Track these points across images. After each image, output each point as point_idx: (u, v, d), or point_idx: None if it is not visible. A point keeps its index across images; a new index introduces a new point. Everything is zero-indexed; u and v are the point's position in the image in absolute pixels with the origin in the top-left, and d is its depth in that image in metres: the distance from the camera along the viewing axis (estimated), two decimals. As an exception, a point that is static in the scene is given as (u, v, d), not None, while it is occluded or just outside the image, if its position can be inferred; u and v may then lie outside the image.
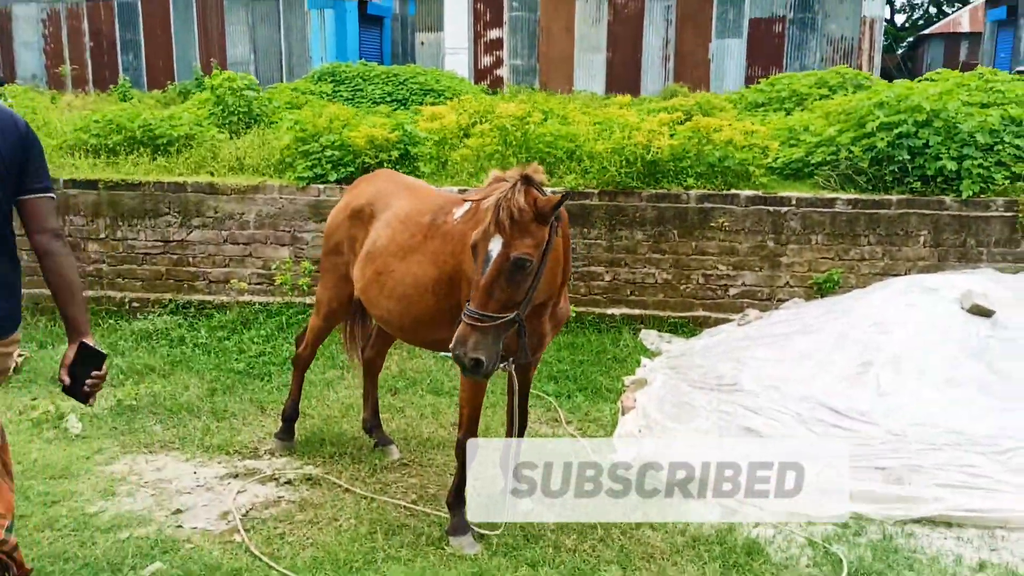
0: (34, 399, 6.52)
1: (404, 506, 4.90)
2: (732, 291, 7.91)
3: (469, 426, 4.48)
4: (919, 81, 9.73)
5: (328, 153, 8.22)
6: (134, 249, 8.40)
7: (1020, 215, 7.44)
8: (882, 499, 4.60)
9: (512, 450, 4.86)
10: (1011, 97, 8.31)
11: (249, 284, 8.25)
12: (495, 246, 3.70)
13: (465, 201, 4.55)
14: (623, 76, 26.70)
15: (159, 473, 5.36)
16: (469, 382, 4.38)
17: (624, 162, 7.74)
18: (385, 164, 8.18)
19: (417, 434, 5.90)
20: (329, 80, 17.74)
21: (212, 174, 8.52)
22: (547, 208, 3.74)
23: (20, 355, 7.23)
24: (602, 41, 26.88)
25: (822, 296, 7.72)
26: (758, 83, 13.55)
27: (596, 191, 7.84)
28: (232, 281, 8.23)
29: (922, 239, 7.67)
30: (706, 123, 8.13)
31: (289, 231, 8.25)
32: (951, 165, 7.50)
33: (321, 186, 8.18)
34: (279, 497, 5.05)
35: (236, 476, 5.32)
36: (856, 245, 7.75)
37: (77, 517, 4.76)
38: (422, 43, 35.08)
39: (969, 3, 41.78)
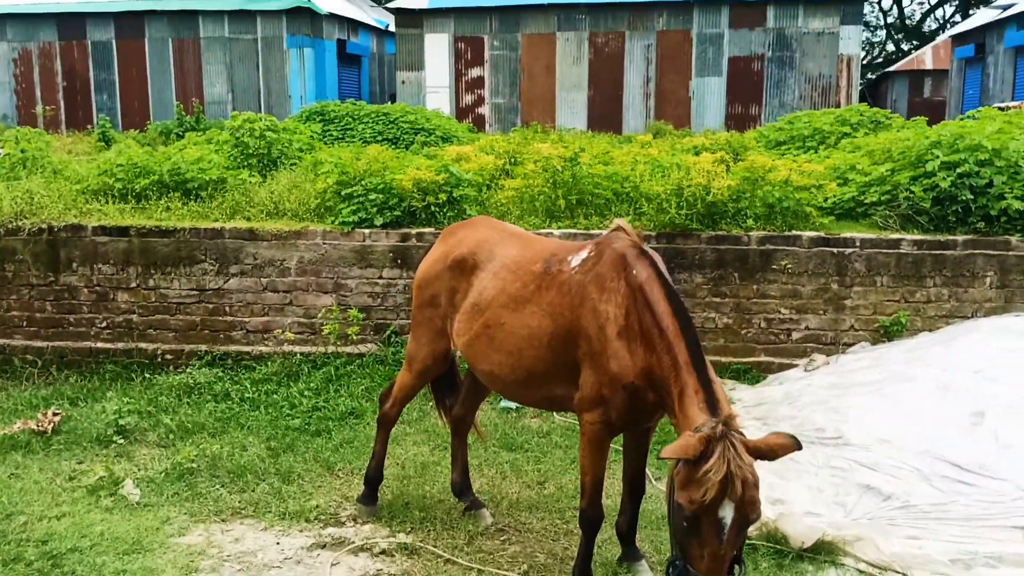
0: (79, 463, 6.09)
1: (516, 578, 4.55)
2: (795, 335, 7.69)
3: (592, 495, 4.17)
4: (961, 120, 9.67)
5: (372, 197, 7.92)
6: (167, 298, 8.00)
7: (1088, 254, 7.33)
8: (1037, 562, 4.34)
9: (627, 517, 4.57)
10: (1063, 135, 8.24)
11: (284, 333, 7.88)
12: (727, 513, 3.18)
13: (581, 249, 4.30)
14: (605, 114, 26.82)
15: (239, 545, 4.97)
16: (590, 447, 4.10)
17: (684, 203, 7.52)
18: (432, 208, 7.91)
19: (503, 495, 5.56)
20: (318, 119, 17.43)
21: (248, 219, 8.17)
22: (774, 454, 3.31)
23: (55, 413, 6.79)
24: (583, 79, 26.99)
25: (889, 339, 7.52)
26: (761, 124, 13.51)
27: (654, 233, 7.61)
28: (276, 332, 7.85)
29: (988, 280, 7.52)
30: (761, 162, 7.95)
31: (332, 278, 7.91)
32: (1017, 204, 7.38)
33: (366, 231, 7.86)
34: (379, 570, 4.68)
35: (324, 546, 4.95)
36: (922, 287, 7.58)
37: (164, 599, 4.36)
38: (403, 82, 34.99)
39: (930, 42, 42.67)
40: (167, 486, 5.68)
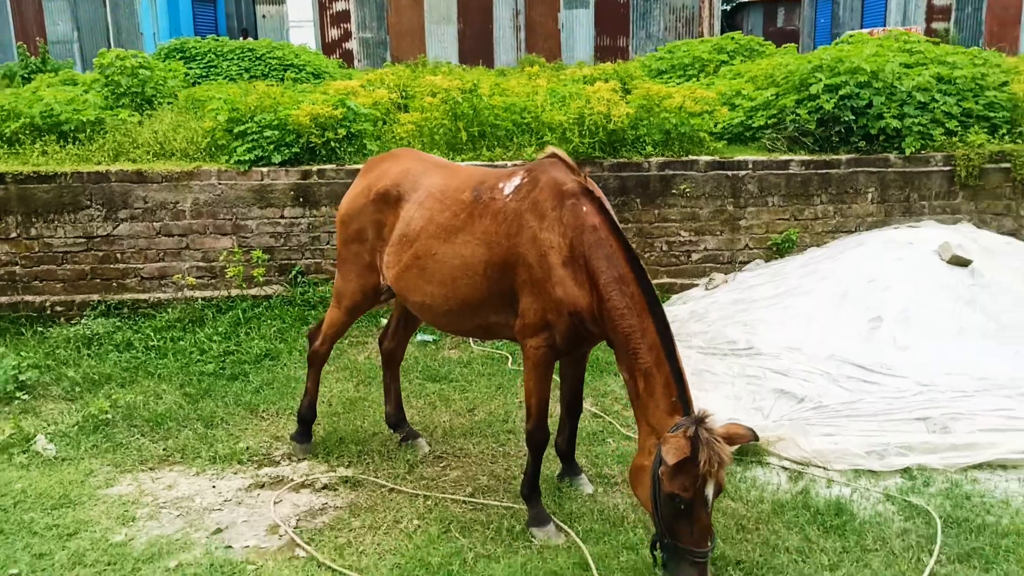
0: (-19, 422, 5.76)
1: (464, 501, 4.64)
2: (695, 256, 7.99)
3: (538, 417, 4.25)
4: (837, 44, 10.10)
5: (267, 134, 7.65)
6: (52, 248, 7.55)
7: (958, 168, 7.88)
8: (939, 448, 4.75)
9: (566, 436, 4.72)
10: (931, 57, 8.76)
11: (185, 278, 7.59)
12: (711, 491, 3.50)
13: (512, 176, 4.31)
14: (475, 47, 26.63)
15: (173, 492, 4.84)
16: (535, 371, 4.16)
17: (586, 132, 7.63)
18: (332, 143, 7.72)
19: (435, 424, 5.61)
20: (178, 57, 16.51)
21: (134, 161, 7.75)
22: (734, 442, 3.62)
23: (-57, 374, 6.37)
24: (452, 12, 26.66)
25: (780, 256, 7.92)
26: (631, 56, 13.72)
27: (559, 162, 7.68)
28: (176, 277, 7.55)
29: (870, 196, 8.00)
30: (657, 90, 8.13)
31: (231, 219, 7.65)
32: (895, 123, 7.84)
33: (264, 169, 7.62)
34: (324, 504, 4.67)
35: (262, 486, 4.89)
36: (810, 205, 7.99)
37: (106, 549, 4.23)
38: (263, 16, 33.60)
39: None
40: (83, 439, 5.45)
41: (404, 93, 9.81)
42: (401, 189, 4.63)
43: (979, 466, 4.71)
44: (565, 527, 4.31)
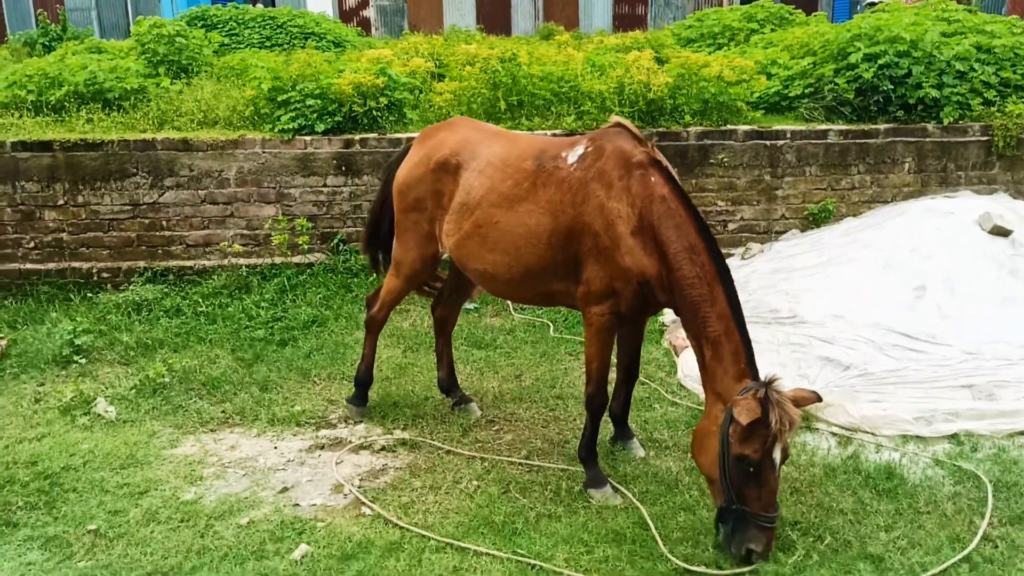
0: (40, 385, 5.93)
1: (520, 463, 4.77)
2: (731, 226, 8.05)
3: (599, 381, 4.36)
4: (874, 12, 10.05)
5: (310, 103, 7.72)
6: (99, 215, 7.68)
7: (996, 138, 7.89)
8: (986, 415, 4.84)
9: (621, 401, 4.83)
10: (970, 26, 8.73)
11: (232, 246, 7.71)
12: (779, 455, 3.63)
13: (575, 145, 4.37)
14: (494, 14, 26.46)
15: (237, 452, 5.00)
16: (598, 337, 4.26)
17: (626, 101, 7.66)
18: (373, 112, 7.78)
19: (485, 390, 5.74)
20: (200, 25, 16.51)
21: (179, 129, 7.85)
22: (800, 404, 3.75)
23: (0, 338, 6.54)
24: (471, -22, 26.49)
25: (817, 226, 7.96)
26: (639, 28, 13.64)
27: (598, 132, 7.73)
28: (222, 244, 7.67)
29: (907, 166, 8.02)
30: (695, 59, 8.14)
31: (275, 187, 7.75)
32: (933, 93, 7.84)
33: (307, 138, 7.70)
34: (384, 465, 4.82)
35: (322, 447, 5.04)
36: (847, 175, 8.02)
37: (178, 507, 4.39)
38: (281, -16, 33.43)
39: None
40: (142, 402, 5.61)
41: (439, 62, 9.84)
42: (460, 158, 4.70)
43: (1025, 433, 4.80)
44: (622, 488, 4.44)
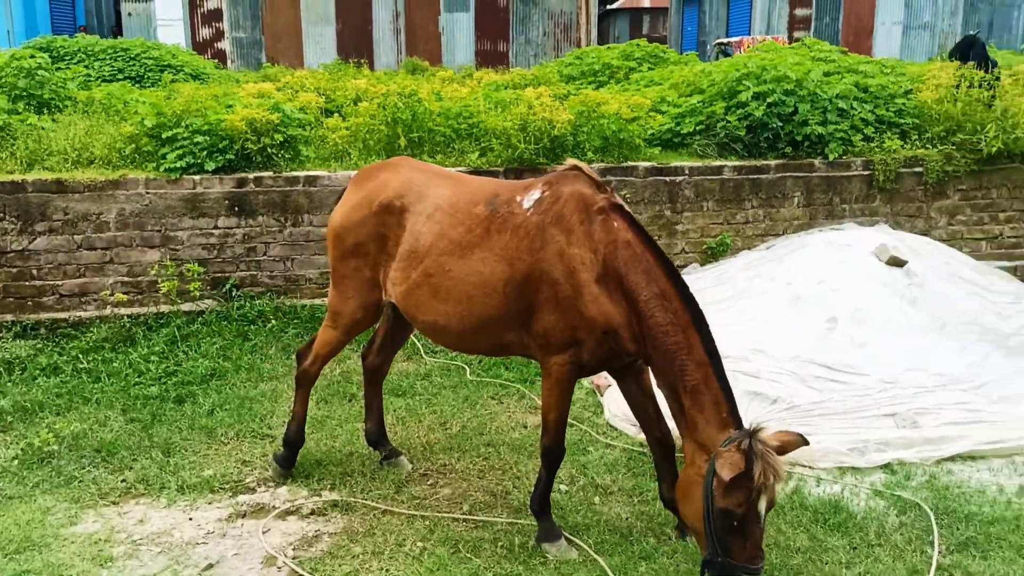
0: (-98, 460, 5.22)
1: (464, 519, 4.52)
2: (634, 261, 8.08)
3: (556, 432, 4.17)
4: (756, 52, 10.43)
5: (198, 140, 7.27)
6: (-42, 264, 6.94)
7: (876, 172, 8.29)
8: (914, 443, 4.97)
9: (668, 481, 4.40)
10: (845, 66, 9.19)
11: (114, 295, 7.12)
12: (763, 505, 3.50)
13: (530, 189, 4.21)
14: (355, 49, 26.17)
15: (147, 527, 4.52)
16: (557, 388, 4.08)
17: (531, 138, 7.60)
18: (268, 149, 7.41)
19: (411, 441, 5.46)
20: (47, 56, 15.60)
21: (51, 169, 7.22)
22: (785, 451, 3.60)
23: None
24: (330, 12, 26.16)
25: (715, 260, 8.12)
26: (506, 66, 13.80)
27: (502, 169, 7.64)
28: (103, 293, 7.07)
29: (796, 200, 8.31)
30: (593, 96, 8.20)
31: (160, 230, 7.22)
32: (819, 130, 8.18)
33: (197, 177, 7.24)
34: (317, 531, 4.46)
35: (244, 515, 4.63)
36: (741, 209, 8.23)
37: (91, 596, 3.90)
38: (129, 14, 31.96)
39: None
40: (28, 474, 5.02)
41: (327, 97, 9.53)
42: (405, 200, 4.44)
43: (951, 458, 4.95)
44: (577, 540, 4.27)
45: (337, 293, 4.65)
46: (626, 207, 4.01)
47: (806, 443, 3.68)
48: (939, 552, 4.07)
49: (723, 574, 3.53)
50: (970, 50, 9.47)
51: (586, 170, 4.08)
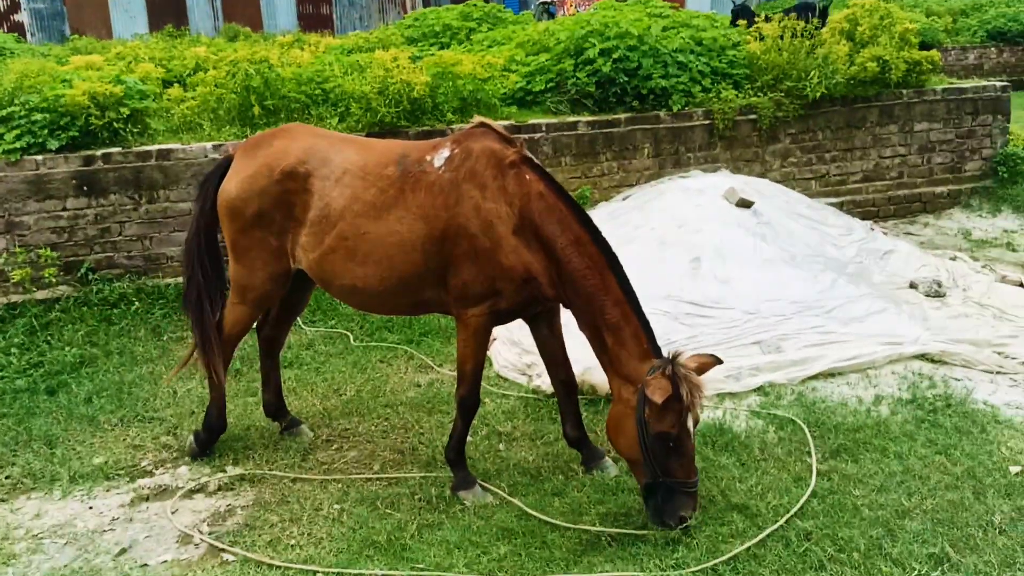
0: None
1: (376, 478, 4.61)
2: (499, 218, 8.26)
3: (472, 382, 4.31)
4: (597, 9, 10.71)
5: (37, 117, 6.83)
6: None
7: (716, 122, 8.81)
8: (782, 366, 5.43)
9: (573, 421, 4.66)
10: (680, 21, 9.65)
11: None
12: (692, 422, 3.82)
13: (439, 148, 4.28)
14: (167, 17, 24.88)
15: (46, 520, 4.35)
16: (474, 338, 4.22)
17: (391, 101, 7.60)
18: (114, 124, 7.05)
19: (308, 410, 5.45)
20: None
21: None
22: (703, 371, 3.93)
23: None
24: (138, -24, 24.78)
25: (576, 212, 8.41)
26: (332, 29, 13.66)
27: (364, 134, 7.60)
28: (-54, 286, 6.57)
29: (646, 151, 8.72)
30: (448, 57, 8.26)
31: (3, 216, 6.77)
32: (663, 83, 8.59)
33: (39, 157, 6.81)
34: (229, 506, 4.43)
35: (147, 499, 4.53)
36: (597, 163, 8.56)
37: (1, 596, 3.74)
38: (-98, -16, 29.01)
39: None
40: None
41: (165, 67, 9.11)
42: (309, 166, 4.38)
43: (814, 377, 5.46)
44: (490, 487, 4.44)
45: (241, 267, 4.56)
46: (535, 160, 4.17)
47: (720, 362, 4.00)
48: (816, 460, 4.51)
49: (666, 495, 3.80)
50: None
51: (494, 126, 4.20)
